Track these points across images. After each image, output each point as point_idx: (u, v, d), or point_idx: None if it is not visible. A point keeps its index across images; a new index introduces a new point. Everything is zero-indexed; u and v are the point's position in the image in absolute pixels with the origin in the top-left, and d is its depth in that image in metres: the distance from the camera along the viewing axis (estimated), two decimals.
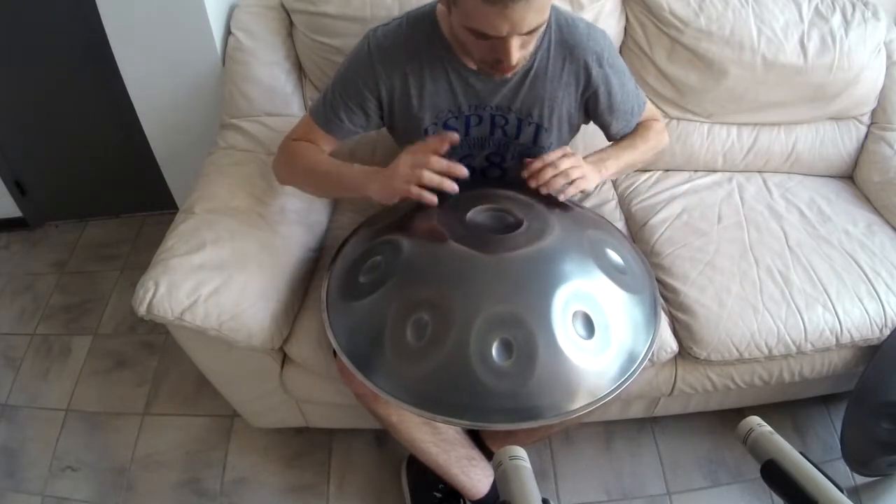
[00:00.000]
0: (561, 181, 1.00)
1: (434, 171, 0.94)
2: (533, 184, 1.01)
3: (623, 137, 1.16)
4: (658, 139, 1.19)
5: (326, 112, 1.08)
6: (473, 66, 1.03)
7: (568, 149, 1.04)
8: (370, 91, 1.05)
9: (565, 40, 1.03)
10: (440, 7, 1.02)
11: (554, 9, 1.02)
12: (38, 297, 1.89)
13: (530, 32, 0.86)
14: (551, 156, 1.01)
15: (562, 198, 1.03)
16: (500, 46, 0.87)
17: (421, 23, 1.03)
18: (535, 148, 1.13)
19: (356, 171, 1.05)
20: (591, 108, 1.11)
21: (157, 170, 1.69)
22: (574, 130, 1.17)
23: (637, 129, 1.17)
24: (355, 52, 1.06)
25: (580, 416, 0.88)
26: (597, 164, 1.07)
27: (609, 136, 1.18)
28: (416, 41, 1.02)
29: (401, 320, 0.89)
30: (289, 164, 1.14)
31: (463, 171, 0.96)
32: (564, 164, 1.00)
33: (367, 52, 1.04)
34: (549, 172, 0.99)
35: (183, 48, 1.39)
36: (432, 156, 0.95)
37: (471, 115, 1.09)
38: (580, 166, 1.02)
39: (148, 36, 1.36)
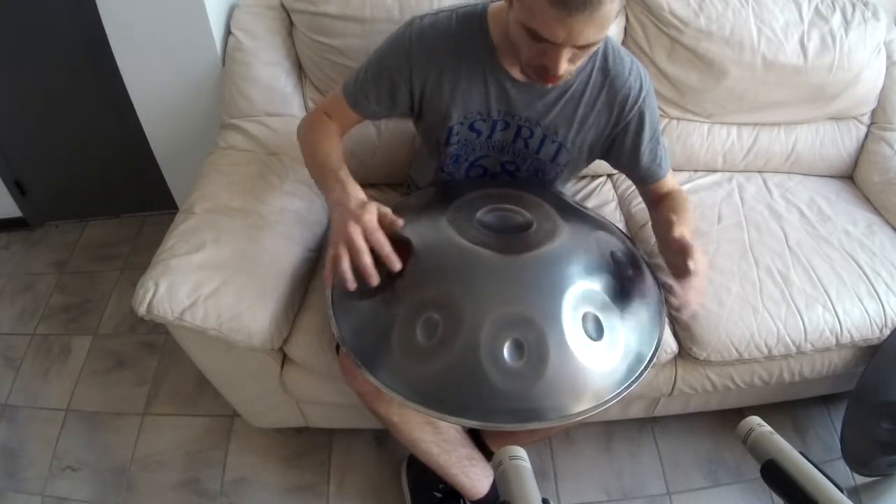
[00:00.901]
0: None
1: (361, 258, 0.88)
2: (689, 310, 0.94)
3: (675, 209, 1.07)
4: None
5: (356, 90, 1.07)
6: (516, 72, 1.01)
7: (703, 256, 0.94)
8: (403, 79, 1.04)
9: (608, 69, 1.02)
10: (496, 5, 1.00)
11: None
12: (38, 297, 1.89)
13: (584, 47, 0.85)
14: (700, 270, 0.91)
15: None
16: (551, 53, 0.86)
17: (470, 21, 1.02)
18: (553, 165, 1.13)
19: (337, 187, 0.98)
20: (617, 145, 1.09)
21: (157, 170, 1.69)
22: (590, 161, 1.16)
23: (678, 205, 1.10)
24: (395, 37, 1.04)
25: (586, 416, 0.88)
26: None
27: (636, 178, 1.15)
28: (462, 38, 1.01)
29: (410, 319, 0.88)
30: (304, 137, 1.13)
31: (396, 265, 0.90)
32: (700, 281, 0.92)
33: (407, 39, 1.02)
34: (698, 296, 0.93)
35: (183, 48, 1.39)
36: (365, 244, 0.89)
37: (498, 119, 1.08)
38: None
39: (148, 36, 1.36)
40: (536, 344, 0.85)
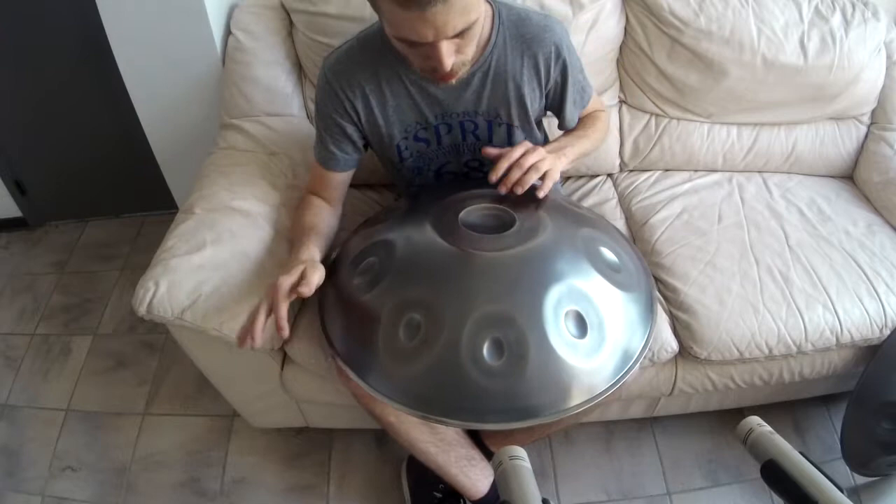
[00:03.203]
0: (533, 176, 0.97)
1: (274, 309, 0.91)
2: (503, 189, 0.98)
3: (577, 126, 1.17)
4: (605, 130, 1.22)
5: (321, 150, 1.10)
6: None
7: (528, 143, 1.00)
8: (343, 117, 1.05)
9: (521, 35, 1.02)
10: None
11: (504, 5, 1.01)
12: (38, 297, 1.89)
13: (459, 35, 0.84)
14: (514, 154, 0.98)
15: (540, 194, 1.00)
16: (431, 53, 0.85)
17: (372, 40, 1.02)
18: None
19: (291, 250, 1.06)
20: (549, 99, 1.12)
21: (157, 170, 1.70)
22: (539, 123, 1.18)
23: (588, 119, 1.18)
24: (318, 85, 1.07)
25: (575, 415, 0.88)
26: (557, 153, 1.04)
27: (562, 125, 1.18)
28: (369, 59, 1.02)
29: (393, 321, 0.89)
30: (293, 216, 1.17)
31: (283, 332, 0.92)
32: (530, 160, 0.97)
33: (325, 81, 1.04)
34: (516, 173, 0.96)
35: (183, 48, 1.39)
36: (279, 297, 0.91)
37: (439, 124, 1.08)
38: (545, 158, 0.99)
39: (148, 36, 1.37)
40: (516, 342, 0.84)
